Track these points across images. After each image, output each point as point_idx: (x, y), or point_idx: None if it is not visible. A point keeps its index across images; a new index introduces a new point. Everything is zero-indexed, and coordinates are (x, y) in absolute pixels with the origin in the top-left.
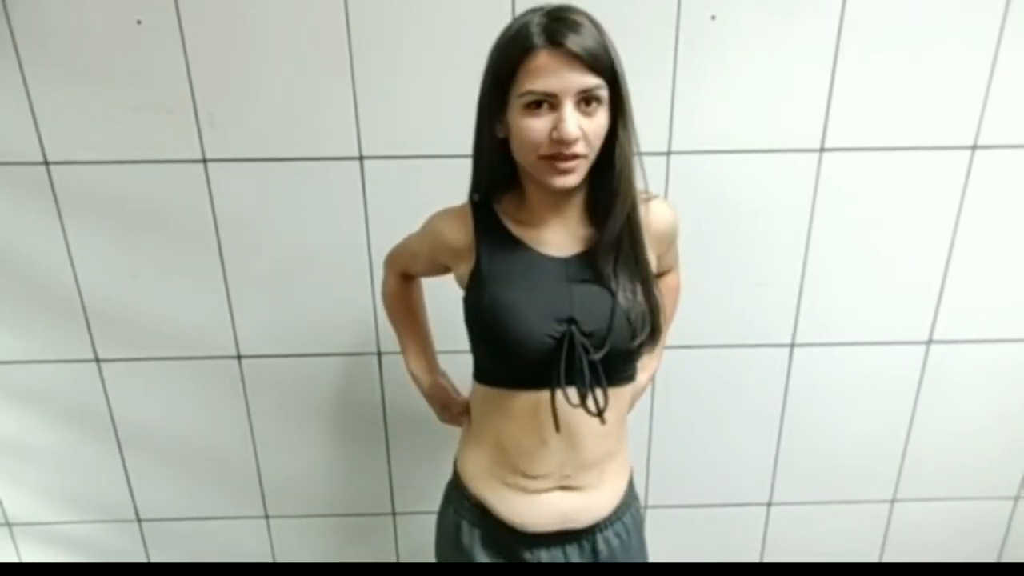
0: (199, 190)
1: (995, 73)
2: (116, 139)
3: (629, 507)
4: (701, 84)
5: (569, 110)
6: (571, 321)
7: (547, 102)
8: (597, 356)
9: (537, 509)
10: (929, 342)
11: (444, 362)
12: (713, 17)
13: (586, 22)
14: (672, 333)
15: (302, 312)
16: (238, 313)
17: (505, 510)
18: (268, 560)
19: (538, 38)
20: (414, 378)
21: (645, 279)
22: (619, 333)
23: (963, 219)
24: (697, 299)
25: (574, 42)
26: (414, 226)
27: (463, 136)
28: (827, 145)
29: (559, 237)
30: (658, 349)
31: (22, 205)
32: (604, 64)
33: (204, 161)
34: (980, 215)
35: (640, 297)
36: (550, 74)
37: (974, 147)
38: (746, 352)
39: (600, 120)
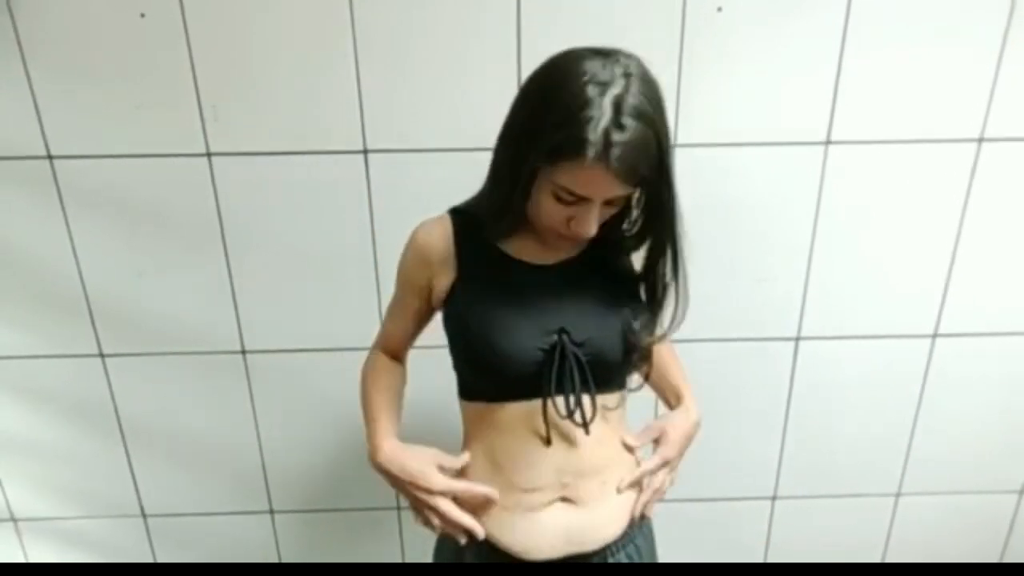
0: (203, 184)
1: (1001, 65)
2: (119, 133)
3: (642, 527)
4: (707, 77)
5: (594, 211)
6: (562, 331)
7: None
8: (586, 361)
9: (540, 532)
10: (935, 336)
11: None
12: (719, 9)
13: (646, 117)
14: None
15: (307, 306)
16: (242, 308)
17: (507, 539)
18: (273, 555)
19: (594, 148)
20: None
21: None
22: (613, 340)
23: (969, 212)
24: (702, 293)
25: (624, 162)
26: (418, 219)
27: (468, 129)
28: (833, 138)
29: (546, 244)
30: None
31: (26, 200)
32: (645, 176)
33: (208, 155)
34: (986, 208)
35: (639, 298)
36: (591, 184)
37: (980, 140)
38: (751, 346)
39: (618, 205)
